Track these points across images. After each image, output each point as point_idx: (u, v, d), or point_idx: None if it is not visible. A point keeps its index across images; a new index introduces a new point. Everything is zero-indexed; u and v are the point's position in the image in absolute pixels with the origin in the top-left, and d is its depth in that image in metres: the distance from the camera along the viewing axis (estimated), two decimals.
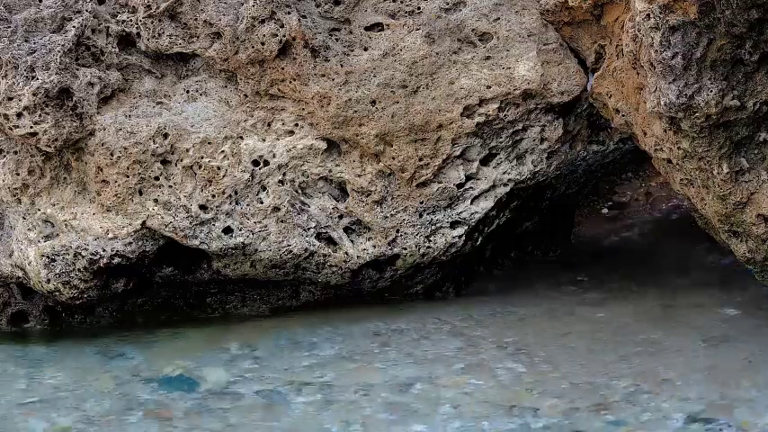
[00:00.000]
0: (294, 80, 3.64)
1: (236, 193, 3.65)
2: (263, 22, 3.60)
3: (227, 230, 3.65)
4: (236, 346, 3.58)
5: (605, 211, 4.19)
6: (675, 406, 2.93)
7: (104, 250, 3.60)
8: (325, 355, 3.47)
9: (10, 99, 3.53)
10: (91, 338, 3.75)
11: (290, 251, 3.69)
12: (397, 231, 3.75)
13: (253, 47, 3.60)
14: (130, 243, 3.62)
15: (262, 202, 3.67)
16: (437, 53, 3.70)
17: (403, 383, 3.21)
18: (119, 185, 3.59)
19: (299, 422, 3.00)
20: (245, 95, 3.68)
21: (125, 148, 3.58)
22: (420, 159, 3.71)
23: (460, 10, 3.74)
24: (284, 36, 3.60)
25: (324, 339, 3.61)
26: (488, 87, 3.71)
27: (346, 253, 3.74)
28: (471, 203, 3.80)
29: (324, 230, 3.73)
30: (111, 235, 3.60)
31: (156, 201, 3.62)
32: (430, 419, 2.97)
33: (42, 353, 3.65)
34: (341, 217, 3.74)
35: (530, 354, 3.39)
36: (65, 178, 3.65)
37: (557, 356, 3.36)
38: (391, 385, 3.20)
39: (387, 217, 3.74)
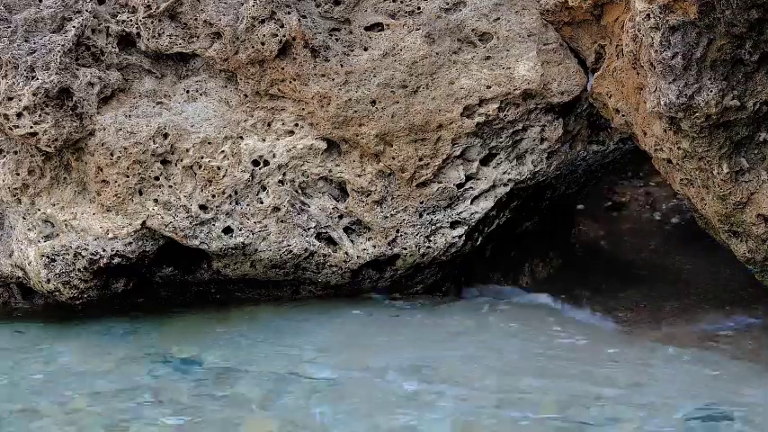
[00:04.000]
0: (294, 80, 3.64)
1: (236, 193, 3.65)
2: (263, 22, 3.60)
3: (227, 230, 3.65)
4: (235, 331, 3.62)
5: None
6: None
7: (104, 250, 3.60)
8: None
9: (10, 99, 3.53)
10: (97, 319, 3.77)
11: (290, 251, 3.69)
12: (397, 231, 3.75)
13: (253, 47, 3.60)
14: (130, 243, 3.62)
15: (262, 202, 3.67)
16: (437, 53, 3.70)
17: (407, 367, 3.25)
18: (119, 185, 3.59)
19: (305, 404, 3.05)
20: (245, 95, 3.68)
21: (125, 148, 3.59)
22: (420, 159, 3.71)
23: (460, 10, 3.74)
24: (284, 36, 3.60)
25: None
26: (488, 87, 3.71)
27: (346, 253, 3.74)
28: (471, 203, 3.80)
29: (324, 230, 3.73)
30: (111, 235, 3.60)
31: (156, 201, 3.62)
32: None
33: (47, 333, 3.68)
34: (341, 217, 3.74)
35: (518, 374, 3.38)
36: (65, 178, 3.65)
37: (547, 374, 3.34)
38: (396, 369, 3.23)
39: (387, 217, 3.74)
